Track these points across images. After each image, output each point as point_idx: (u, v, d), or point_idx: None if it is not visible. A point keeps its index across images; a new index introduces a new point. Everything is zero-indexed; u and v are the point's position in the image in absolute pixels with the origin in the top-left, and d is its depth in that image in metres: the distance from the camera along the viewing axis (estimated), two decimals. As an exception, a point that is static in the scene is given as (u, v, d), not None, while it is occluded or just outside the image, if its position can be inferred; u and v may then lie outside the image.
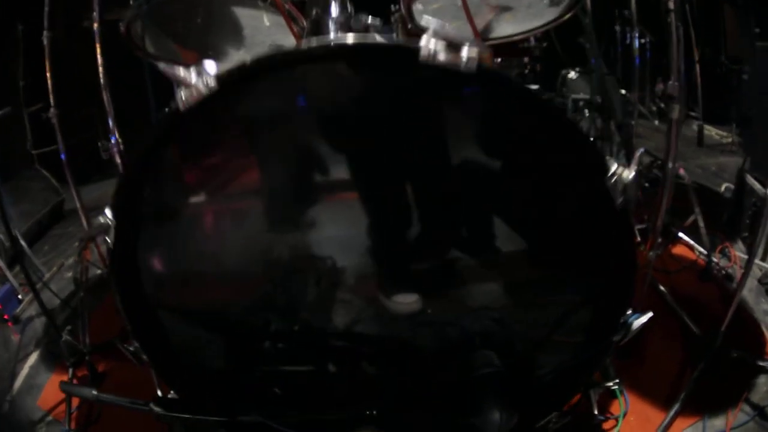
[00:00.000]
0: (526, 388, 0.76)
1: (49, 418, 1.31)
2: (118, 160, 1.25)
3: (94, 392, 0.87)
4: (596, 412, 1.02)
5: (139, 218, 0.65)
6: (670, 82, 1.20)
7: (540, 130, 0.53)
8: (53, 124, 1.59)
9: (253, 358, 0.83)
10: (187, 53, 1.17)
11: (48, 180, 2.48)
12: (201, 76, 0.46)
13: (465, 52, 0.47)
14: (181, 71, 0.46)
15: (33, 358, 1.58)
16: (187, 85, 0.47)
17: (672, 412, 1.05)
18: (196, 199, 0.66)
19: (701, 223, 1.58)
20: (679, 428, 1.04)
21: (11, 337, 1.72)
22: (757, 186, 1.58)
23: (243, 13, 1.09)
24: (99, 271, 1.82)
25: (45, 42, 1.55)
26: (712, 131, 2.69)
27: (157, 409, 0.79)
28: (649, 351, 1.24)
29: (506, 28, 1.15)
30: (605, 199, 0.54)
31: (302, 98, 0.53)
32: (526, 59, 1.52)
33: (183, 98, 0.48)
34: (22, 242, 1.90)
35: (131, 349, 0.86)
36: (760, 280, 1.48)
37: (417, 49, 0.48)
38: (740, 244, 1.67)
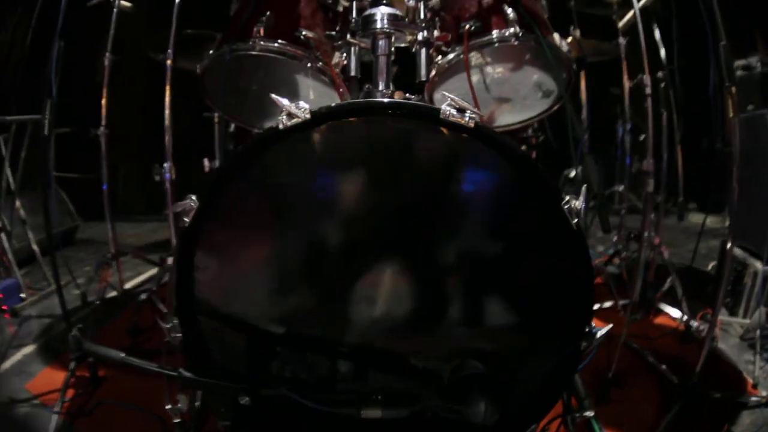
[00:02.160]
0: (507, 391, 0.99)
1: (36, 401, 1.48)
2: (168, 186, 1.56)
3: (122, 354, 1.05)
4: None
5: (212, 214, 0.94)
6: (645, 160, 1.60)
7: (514, 174, 0.88)
8: (99, 143, 1.95)
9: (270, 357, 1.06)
10: (238, 107, 1.55)
11: (66, 204, 2.79)
12: (299, 109, 0.81)
13: (467, 115, 0.83)
14: (286, 103, 0.81)
15: (29, 348, 1.80)
16: (288, 114, 0.81)
17: None
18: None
19: (678, 288, 1.90)
20: None
21: (6, 327, 1.94)
22: (737, 251, 1.93)
23: (296, 79, 1.48)
24: (114, 293, 2.07)
25: (106, 63, 1.97)
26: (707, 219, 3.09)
27: (187, 374, 1.02)
28: (628, 400, 1.48)
29: (507, 117, 1.56)
30: (564, 221, 0.86)
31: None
32: (523, 147, 1.97)
33: (283, 122, 0.82)
34: (35, 247, 2.17)
35: (168, 326, 1.11)
36: (742, 337, 1.78)
37: (439, 110, 0.83)
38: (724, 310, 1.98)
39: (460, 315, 1.01)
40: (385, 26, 1.11)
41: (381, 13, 1.12)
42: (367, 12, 1.13)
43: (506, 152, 0.87)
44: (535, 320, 0.99)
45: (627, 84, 2.23)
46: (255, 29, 1.27)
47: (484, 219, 0.94)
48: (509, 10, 1.32)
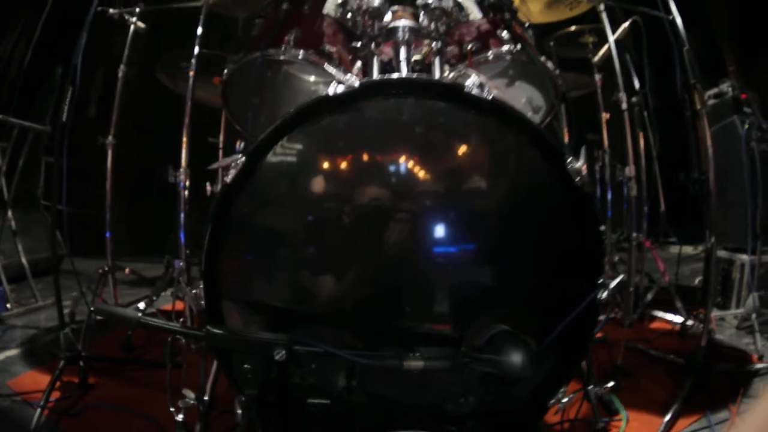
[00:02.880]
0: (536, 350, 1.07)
1: (18, 398, 1.47)
2: (185, 193, 1.70)
3: (139, 314, 1.04)
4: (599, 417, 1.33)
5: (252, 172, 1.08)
6: (627, 167, 1.87)
7: (523, 137, 1.09)
8: (106, 151, 2.09)
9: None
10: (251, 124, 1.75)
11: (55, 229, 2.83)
12: (349, 79, 1.01)
13: (486, 90, 1.05)
14: (336, 72, 1.01)
15: (12, 351, 1.82)
16: (339, 81, 1.01)
17: (674, 408, 1.38)
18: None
19: (671, 290, 2.11)
20: (683, 425, 1.35)
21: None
22: (721, 253, 2.16)
23: (313, 93, 1.71)
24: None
25: (120, 75, 2.16)
26: (687, 249, 3.42)
27: (216, 330, 1.02)
28: (639, 388, 1.61)
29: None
30: (567, 179, 1.06)
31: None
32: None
33: (333, 90, 1.01)
34: (24, 261, 2.19)
35: (194, 291, 1.18)
36: (738, 327, 1.99)
37: (464, 86, 1.06)
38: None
39: (481, 280, 1.14)
40: (407, 36, 1.37)
41: (402, 25, 1.38)
42: (391, 24, 1.39)
43: (519, 123, 1.08)
44: (550, 279, 1.13)
45: (604, 116, 2.58)
46: (285, 39, 1.51)
47: (497, 186, 1.13)
48: (504, 33, 1.62)
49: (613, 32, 1.93)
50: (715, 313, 2.14)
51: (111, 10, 2.18)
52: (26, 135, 2.63)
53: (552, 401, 1.20)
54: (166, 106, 2.30)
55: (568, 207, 1.11)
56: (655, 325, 2.16)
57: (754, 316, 1.91)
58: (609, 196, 2.57)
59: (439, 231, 1.11)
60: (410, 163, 1.09)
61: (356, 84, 1.01)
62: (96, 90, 3.40)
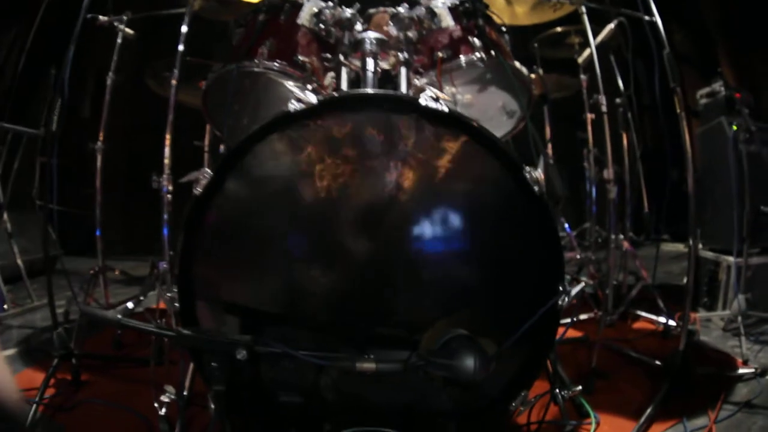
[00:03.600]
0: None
1: None
2: (168, 197, 1.79)
3: (119, 316, 1.12)
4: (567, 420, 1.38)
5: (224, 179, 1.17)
6: (606, 170, 1.93)
7: (480, 148, 1.16)
8: (96, 156, 2.19)
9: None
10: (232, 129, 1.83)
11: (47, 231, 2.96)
12: (308, 97, 1.09)
13: (440, 103, 1.12)
14: (296, 90, 1.09)
15: (10, 351, 1.94)
16: (298, 100, 1.08)
17: (647, 412, 1.38)
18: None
19: (653, 290, 2.16)
20: (657, 431, 1.35)
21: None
22: (708, 254, 2.20)
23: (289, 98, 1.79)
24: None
25: (108, 82, 2.25)
26: (679, 246, 3.48)
27: (186, 332, 1.11)
28: (615, 389, 1.63)
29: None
30: (527, 188, 1.12)
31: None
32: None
33: (294, 107, 1.09)
34: (20, 262, 2.31)
35: (169, 295, 1.27)
36: (724, 329, 2.04)
37: (418, 98, 1.13)
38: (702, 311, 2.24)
39: (441, 286, 1.21)
40: (373, 48, 1.44)
41: (369, 37, 1.44)
42: (358, 36, 1.45)
43: (475, 134, 1.15)
44: (511, 286, 1.20)
45: (589, 116, 2.63)
46: (259, 50, 1.58)
47: (457, 193, 1.19)
48: (476, 40, 1.68)
49: (602, 31, 1.97)
50: (702, 314, 2.18)
51: (101, 17, 2.26)
52: (21, 139, 2.74)
53: (515, 403, 1.26)
54: (157, 109, 2.38)
55: (528, 214, 1.18)
56: (638, 325, 2.21)
57: (739, 318, 1.93)
58: (594, 193, 2.63)
59: (406, 236, 1.20)
60: (373, 171, 1.17)
61: (314, 101, 1.08)
62: (89, 91, 3.51)
